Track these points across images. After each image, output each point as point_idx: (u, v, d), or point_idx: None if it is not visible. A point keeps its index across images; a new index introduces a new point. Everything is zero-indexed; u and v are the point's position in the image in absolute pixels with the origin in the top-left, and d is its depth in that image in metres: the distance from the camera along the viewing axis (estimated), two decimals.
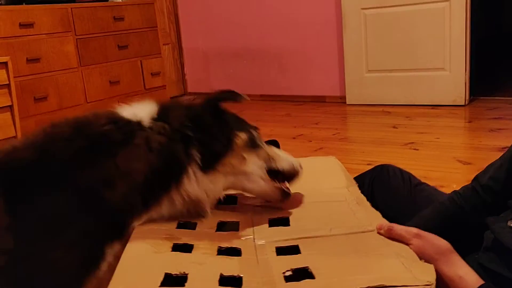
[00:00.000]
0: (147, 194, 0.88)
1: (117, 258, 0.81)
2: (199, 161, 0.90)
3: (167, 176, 0.89)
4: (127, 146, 0.88)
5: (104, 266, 0.82)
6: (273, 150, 1.01)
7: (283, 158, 1.00)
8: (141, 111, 0.94)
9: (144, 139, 0.89)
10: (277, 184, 0.98)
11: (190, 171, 0.90)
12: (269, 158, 0.98)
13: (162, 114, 0.93)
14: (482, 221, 0.97)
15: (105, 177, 0.85)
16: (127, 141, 0.88)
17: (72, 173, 0.85)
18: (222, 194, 0.98)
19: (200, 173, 0.91)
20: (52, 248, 0.79)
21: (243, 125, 1.00)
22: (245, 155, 0.95)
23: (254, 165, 0.96)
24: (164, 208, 0.91)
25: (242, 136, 0.96)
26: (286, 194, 0.99)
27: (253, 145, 0.97)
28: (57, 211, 0.82)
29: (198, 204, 0.93)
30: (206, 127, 0.93)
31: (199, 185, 0.91)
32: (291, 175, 1.00)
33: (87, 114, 0.95)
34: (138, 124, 0.91)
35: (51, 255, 0.79)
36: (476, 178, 1.06)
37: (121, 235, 0.86)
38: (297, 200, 1.02)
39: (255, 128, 1.02)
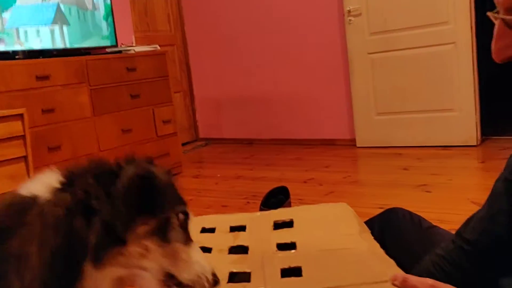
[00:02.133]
0: (51, 284, 0.72)
1: None
2: (92, 248, 0.73)
3: (70, 259, 0.73)
4: (17, 228, 0.73)
5: None
6: (187, 251, 0.81)
7: (190, 266, 0.79)
8: (40, 183, 0.79)
9: (37, 215, 0.74)
10: None
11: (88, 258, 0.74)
12: (175, 259, 0.79)
13: (68, 183, 0.78)
14: (472, 283, 0.92)
15: None
16: (18, 222, 0.73)
17: None
18: None
19: (90, 264, 0.74)
20: None
21: (166, 206, 0.80)
22: (149, 245, 0.77)
23: (153, 261, 0.77)
24: None
25: (147, 225, 0.77)
26: None
27: (162, 236, 0.78)
28: None
29: None
30: (110, 206, 0.75)
31: (92, 281, 0.75)
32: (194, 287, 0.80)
33: None
34: (33, 200, 0.76)
35: None
36: (458, 234, 0.99)
37: None
38: None
39: (183, 213, 0.83)
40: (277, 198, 2.32)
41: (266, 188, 2.43)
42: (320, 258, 1.00)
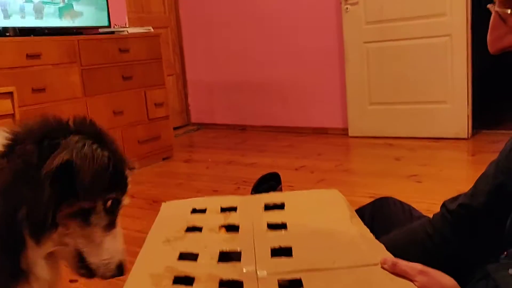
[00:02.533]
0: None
1: None
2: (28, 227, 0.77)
3: (15, 228, 0.76)
4: None
5: None
6: (103, 237, 0.85)
7: (100, 252, 0.85)
8: None
9: None
10: (80, 267, 0.86)
11: (27, 234, 0.77)
12: (89, 242, 0.84)
13: (11, 146, 0.79)
14: (450, 252, 0.99)
15: None
16: None
17: None
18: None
19: (32, 241, 0.78)
20: None
21: (93, 192, 0.82)
22: (70, 224, 0.82)
23: (71, 239, 0.83)
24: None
25: (71, 207, 0.81)
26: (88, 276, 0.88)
27: (84, 219, 0.83)
28: None
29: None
30: (36, 184, 0.76)
31: (33, 254, 0.79)
32: (98, 270, 0.86)
33: None
34: None
35: None
36: (443, 205, 1.08)
37: None
38: None
39: (112, 199, 0.86)
40: (268, 184, 2.32)
41: (257, 174, 2.42)
42: (310, 240, 0.99)
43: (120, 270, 0.86)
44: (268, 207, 1.14)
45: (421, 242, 1.05)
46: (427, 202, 2.32)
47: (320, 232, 1.02)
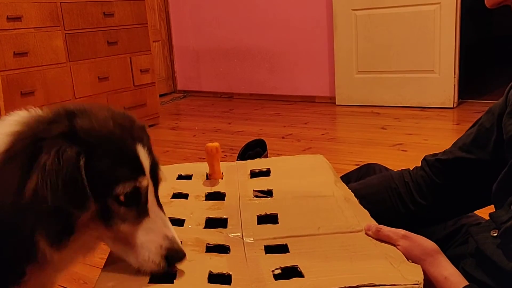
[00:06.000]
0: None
1: None
2: (45, 236, 0.70)
3: (16, 247, 0.71)
4: None
5: None
6: (134, 232, 0.73)
7: (136, 250, 0.73)
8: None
9: None
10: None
11: (41, 245, 0.71)
12: (122, 244, 0.73)
13: (9, 150, 0.70)
14: (422, 201, 1.05)
15: None
16: None
17: None
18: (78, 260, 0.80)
19: (49, 249, 0.71)
20: None
21: (105, 187, 0.70)
22: (98, 230, 0.73)
23: (108, 244, 0.75)
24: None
25: (88, 211, 0.70)
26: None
27: (105, 220, 0.72)
28: None
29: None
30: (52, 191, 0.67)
31: (54, 260, 0.73)
32: (146, 270, 0.73)
33: None
34: None
35: None
36: (424, 158, 1.13)
37: None
38: None
39: (132, 186, 0.71)
40: (254, 150, 2.32)
41: (244, 142, 2.41)
42: (296, 206, 1.00)
43: (171, 259, 0.72)
44: (253, 174, 1.14)
45: (395, 188, 1.10)
46: None
47: (305, 198, 1.03)
